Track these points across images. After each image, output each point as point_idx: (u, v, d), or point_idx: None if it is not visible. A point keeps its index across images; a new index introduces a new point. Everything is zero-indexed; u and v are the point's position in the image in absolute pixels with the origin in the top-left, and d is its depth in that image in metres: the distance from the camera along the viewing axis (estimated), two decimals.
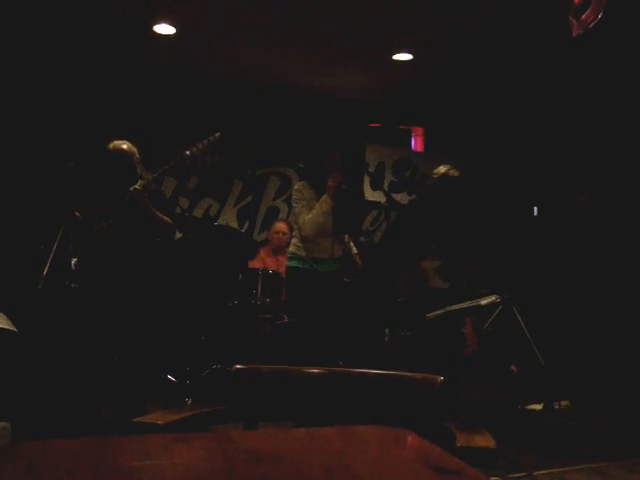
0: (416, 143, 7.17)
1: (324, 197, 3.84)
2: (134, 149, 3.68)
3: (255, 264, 5.19)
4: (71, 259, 3.66)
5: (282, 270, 4.89)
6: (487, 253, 4.34)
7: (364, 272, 4.36)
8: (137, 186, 3.52)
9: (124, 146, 3.64)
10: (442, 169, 4.20)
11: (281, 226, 5.43)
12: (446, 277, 4.17)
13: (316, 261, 3.93)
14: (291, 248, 4.07)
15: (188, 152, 3.62)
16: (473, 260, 4.21)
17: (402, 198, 6.85)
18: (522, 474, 2.94)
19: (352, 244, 4.42)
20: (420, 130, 7.14)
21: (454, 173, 4.15)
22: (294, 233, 4.15)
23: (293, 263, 3.99)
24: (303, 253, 3.93)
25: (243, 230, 6.23)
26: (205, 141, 3.73)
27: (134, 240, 3.57)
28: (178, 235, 5.70)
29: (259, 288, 4.70)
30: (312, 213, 3.82)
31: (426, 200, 4.37)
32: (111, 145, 3.64)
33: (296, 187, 4.06)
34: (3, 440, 2.88)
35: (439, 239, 4.13)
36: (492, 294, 4.14)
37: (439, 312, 3.90)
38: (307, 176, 4.07)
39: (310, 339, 3.83)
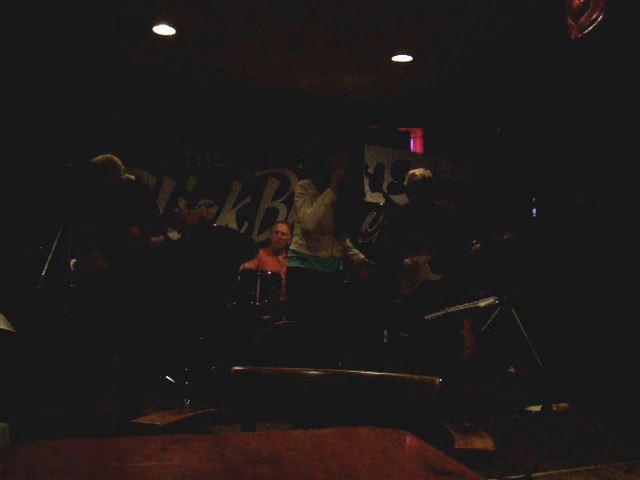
0: (415, 144, 7.17)
1: (327, 190, 3.88)
2: (118, 162, 3.68)
3: (254, 265, 5.19)
4: (70, 260, 3.67)
5: (282, 270, 4.89)
6: (484, 254, 4.45)
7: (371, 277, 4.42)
8: (136, 228, 3.56)
9: (108, 160, 3.64)
10: (410, 172, 4.52)
11: (282, 227, 5.46)
12: (437, 270, 4.33)
13: (317, 260, 3.93)
14: (292, 246, 4.06)
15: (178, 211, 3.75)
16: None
17: (401, 200, 6.84)
18: (520, 476, 2.94)
19: (356, 250, 4.41)
20: (419, 131, 7.14)
21: (420, 173, 4.42)
22: (295, 231, 4.14)
23: (294, 263, 3.99)
24: (304, 251, 3.94)
25: (242, 231, 6.22)
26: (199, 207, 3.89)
27: (133, 275, 3.61)
28: (177, 236, 5.71)
29: (258, 289, 4.70)
30: (314, 206, 3.86)
31: (407, 203, 4.66)
32: (95, 159, 3.65)
33: (300, 183, 4.08)
34: (1, 441, 2.88)
35: (426, 234, 4.34)
36: (490, 296, 4.15)
37: (437, 314, 3.91)
38: (313, 175, 4.09)
39: (309, 340, 3.83)
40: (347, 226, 4.06)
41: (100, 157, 3.65)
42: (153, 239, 3.71)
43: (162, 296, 4.80)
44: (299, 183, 4.09)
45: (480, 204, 6.68)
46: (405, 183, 4.54)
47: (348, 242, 4.29)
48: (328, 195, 3.87)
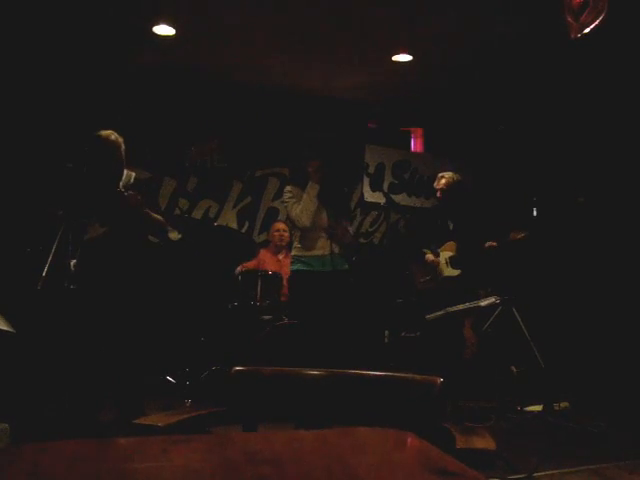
0: (415, 144, 7.17)
1: (309, 184, 4.06)
2: (120, 140, 3.70)
3: (254, 265, 5.19)
4: (70, 260, 3.67)
5: (284, 270, 4.89)
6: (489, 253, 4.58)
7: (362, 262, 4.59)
8: (130, 191, 3.52)
9: (112, 137, 3.65)
10: (439, 175, 4.89)
11: (280, 225, 5.51)
12: (458, 265, 4.62)
13: (317, 259, 3.98)
14: (293, 252, 4.15)
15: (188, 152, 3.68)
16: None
17: (401, 199, 6.84)
18: (521, 476, 2.94)
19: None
20: (419, 131, 7.14)
21: (449, 176, 4.82)
22: (294, 237, 4.25)
23: (296, 266, 4.06)
24: (303, 252, 4.02)
25: (243, 231, 6.23)
26: (204, 145, 3.80)
27: (131, 243, 3.58)
28: (177, 236, 5.71)
29: (258, 289, 4.70)
30: (302, 202, 3.99)
31: (435, 204, 5.08)
32: (98, 134, 3.66)
33: (286, 189, 4.29)
34: (2, 442, 2.88)
35: (453, 233, 4.72)
36: (492, 295, 4.16)
37: (439, 313, 3.91)
38: (295, 180, 4.26)
39: (310, 340, 3.84)
40: (340, 213, 4.14)
41: (105, 131, 3.68)
42: (152, 213, 3.68)
43: (163, 296, 4.80)
44: (285, 190, 4.29)
45: (483, 204, 6.68)
46: (434, 185, 4.91)
47: (347, 225, 4.35)
48: (312, 187, 4.03)
